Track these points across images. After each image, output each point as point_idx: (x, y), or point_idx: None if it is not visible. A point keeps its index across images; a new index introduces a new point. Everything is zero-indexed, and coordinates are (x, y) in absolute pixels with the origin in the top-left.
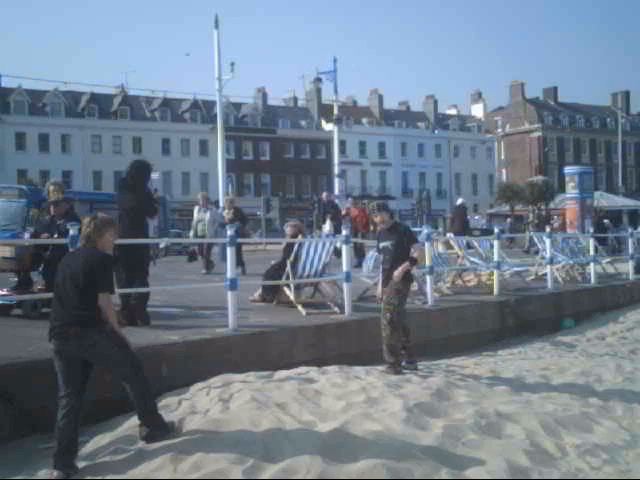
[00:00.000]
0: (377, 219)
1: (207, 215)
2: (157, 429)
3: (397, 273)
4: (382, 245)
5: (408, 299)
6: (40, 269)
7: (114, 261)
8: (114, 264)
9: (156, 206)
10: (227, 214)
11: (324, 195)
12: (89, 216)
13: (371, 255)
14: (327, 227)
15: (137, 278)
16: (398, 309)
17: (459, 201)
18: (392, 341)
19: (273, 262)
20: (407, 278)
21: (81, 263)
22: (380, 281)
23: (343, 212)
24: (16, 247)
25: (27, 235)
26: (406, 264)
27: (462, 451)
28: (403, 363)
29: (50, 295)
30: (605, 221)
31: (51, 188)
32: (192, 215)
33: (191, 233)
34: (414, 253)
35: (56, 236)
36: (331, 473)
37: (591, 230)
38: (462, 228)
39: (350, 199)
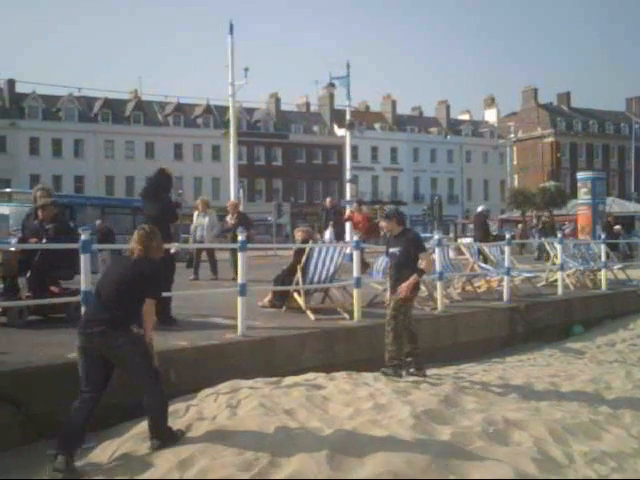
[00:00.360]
0: (384, 226)
1: (206, 220)
2: (168, 441)
3: (405, 286)
4: (391, 251)
5: (418, 305)
6: (27, 275)
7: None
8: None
9: (178, 211)
10: (231, 219)
11: (328, 201)
12: (141, 227)
13: (382, 259)
14: (328, 234)
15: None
16: (402, 316)
17: (480, 208)
18: (394, 347)
19: (284, 267)
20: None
21: (132, 268)
22: (388, 287)
23: (345, 216)
24: (2, 252)
25: (14, 240)
26: (414, 277)
27: (469, 458)
28: (412, 370)
29: (36, 302)
30: (616, 227)
31: (38, 193)
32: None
33: (190, 239)
34: (421, 264)
35: (44, 241)
36: None
37: (603, 236)
38: (485, 236)
39: (355, 203)
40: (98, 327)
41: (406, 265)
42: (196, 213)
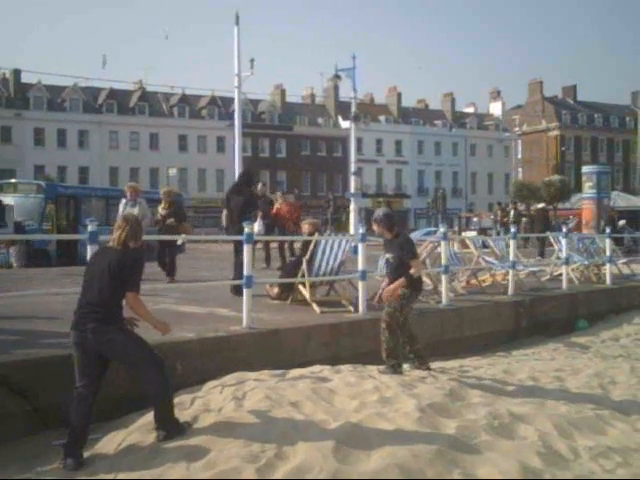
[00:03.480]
0: (375, 228)
1: (135, 210)
2: (174, 432)
3: (390, 288)
4: (386, 256)
5: (422, 298)
6: None
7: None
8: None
9: (259, 202)
10: (162, 209)
11: (259, 188)
12: (125, 216)
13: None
14: (257, 226)
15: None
16: (398, 312)
17: (540, 205)
18: (390, 344)
19: (291, 258)
20: (415, 286)
21: (113, 261)
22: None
23: (274, 211)
24: None
25: None
26: (400, 281)
27: (475, 452)
28: (415, 364)
29: None
30: (620, 222)
31: None
32: (220, 213)
33: None
34: (412, 269)
35: None
36: (344, 472)
37: (607, 230)
38: (544, 229)
39: (278, 194)
40: (90, 323)
41: (399, 271)
42: (123, 201)
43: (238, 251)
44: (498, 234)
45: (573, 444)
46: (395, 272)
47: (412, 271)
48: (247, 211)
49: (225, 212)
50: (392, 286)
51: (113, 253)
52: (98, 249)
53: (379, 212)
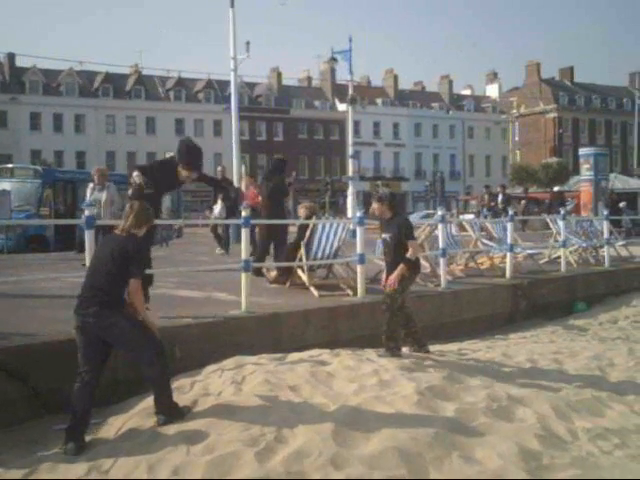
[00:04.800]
0: (374, 207)
1: (103, 195)
2: (173, 417)
3: (393, 278)
4: (383, 236)
5: (421, 281)
6: None
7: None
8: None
9: (288, 189)
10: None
11: (218, 171)
12: (131, 203)
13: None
14: (217, 208)
15: (279, 244)
16: (397, 295)
17: (556, 188)
18: (391, 327)
19: (290, 241)
20: (413, 267)
21: (117, 247)
22: (385, 270)
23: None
24: None
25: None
26: (401, 267)
27: (473, 434)
28: (414, 347)
29: None
30: (621, 204)
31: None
32: (211, 197)
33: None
34: (409, 252)
35: None
36: (343, 456)
37: (605, 212)
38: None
39: (245, 175)
40: (92, 307)
41: (397, 252)
42: (91, 186)
43: (254, 233)
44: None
45: (571, 426)
46: (393, 253)
47: (409, 253)
48: (276, 197)
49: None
50: (394, 276)
51: (117, 240)
52: (107, 236)
53: (384, 190)
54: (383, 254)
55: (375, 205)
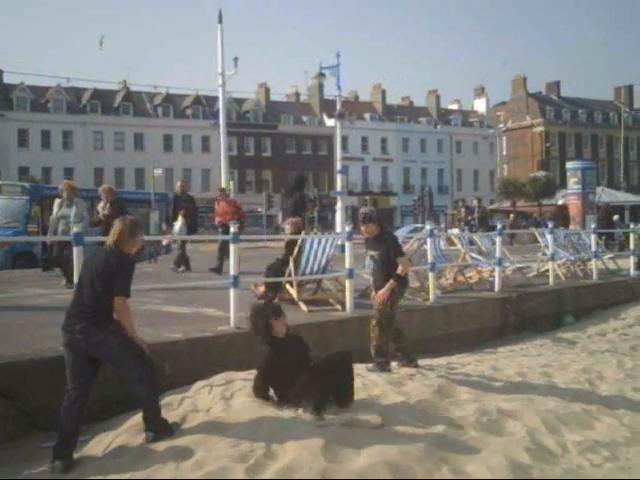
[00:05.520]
0: (363, 229)
1: (72, 210)
2: (162, 433)
3: (381, 294)
4: (370, 253)
5: (410, 296)
6: None
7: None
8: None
9: (309, 205)
10: (103, 209)
11: (178, 185)
12: (121, 218)
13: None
14: (178, 225)
15: None
16: (387, 311)
17: (560, 202)
18: (380, 342)
19: (279, 257)
20: (401, 282)
21: (103, 263)
22: (373, 287)
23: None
24: None
25: None
26: (391, 283)
27: (463, 448)
28: (403, 362)
29: None
30: (615, 217)
31: None
32: (207, 213)
33: (49, 232)
34: (399, 269)
35: None
36: (333, 471)
37: (593, 226)
38: (565, 225)
39: (219, 190)
40: (79, 324)
41: (386, 269)
42: (58, 201)
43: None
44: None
45: (561, 439)
46: (382, 269)
47: (400, 270)
48: (296, 213)
49: (281, 213)
50: (384, 290)
51: (102, 255)
52: (96, 251)
53: (368, 209)
54: (372, 270)
55: (363, 227)
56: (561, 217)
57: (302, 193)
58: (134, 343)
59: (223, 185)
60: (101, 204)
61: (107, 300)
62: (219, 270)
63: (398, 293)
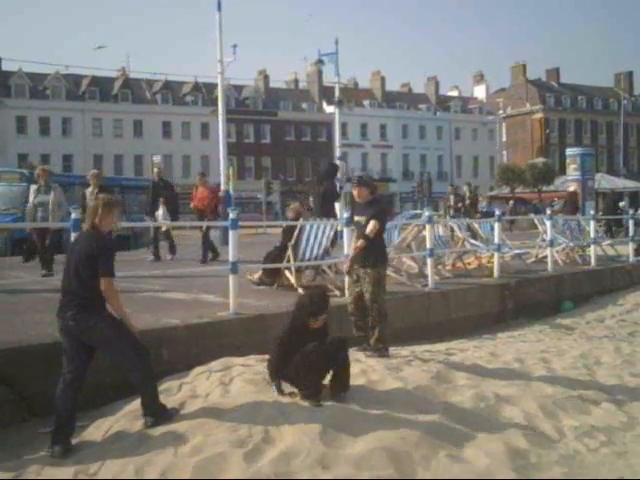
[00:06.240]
0: (355, 192)
1: (50, 197)
2: (161, 418)
3: (350, 257)
4: (356, 219)
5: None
6: None
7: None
8: (115, 249)
9: (339, 192)
10: (92, 193)
11: (155, 172)
12: (96, 197)
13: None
14: (160, 213)
15: None
16: (381, 295)
17: (571, 188)
18: (381, 327)
19: (277, 244)
20: (379, 260)
21: (83, 247)
22: (351, 255)
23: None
24: None
25: None
26: (360, 242)
27: (461, 434)
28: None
29: None
30: (621, 203)
31: None
32: (190, 197)
33: (27, 219)
34: (368, 228)
35: None
36: (331, 456)
37: (592, 212)
38: (575, 212)
39: (198, 176)
40: (71, 311)
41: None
42: (34, 187)
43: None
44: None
45: (558, 424)
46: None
47: (368, 229)
48: (327, 201)
49: (311, 199)
50: (353, 253)
51: (83, 238)
52: (76, 235)
53: (364, 173)
54: (356, 237)
55: (356, 190)
56: (573, 203)
57: (334, 181)
58: (126, 329)
59: (224, 172)
60: (89, 189)
61: (95, 284)
62: (205, 259)
63: (381, 276)
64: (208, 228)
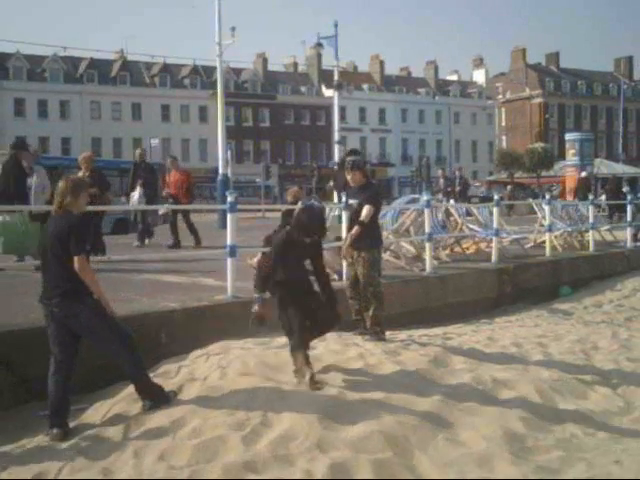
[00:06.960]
0: (349, 177)
1: (34, 179)
2: (159, 402)
3: (348, 242)
4: (350, 201)
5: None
6: None
7: (87, 223)
8: (87, 226)
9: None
10: (83, 177)
11: (137, 154)
12: (62, 179)
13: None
14: (136, 195)
15: None
16: (377, 279)
17: (583, 174)
18: (379, 311)
19: (276, 229)
20: (374, 244)
21: (53, 230)
22: (347, 239)
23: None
24: None
25: None
26: (355, 229)
27: (458, 417)
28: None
29: None
30: (624, 189)
31: None
32: (163, 182)
33: None
34: (362, 214)
35: None
36: (329, 439)
37: (590, 197)
38: (585, 198)
39: (169, 159)
40: (55, 298)
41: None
42: None
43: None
44: None
45: (555, 408)
46: (358, 217)
47: (363, 215)
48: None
49: (332, 183)
50: (349, 238)
51: (53, 221)
52: (48, 220)
53: (358, 158)
54: (350, 221)
55: (350, 174)
56: (585, 189)
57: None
58: (111, 318)
59: (223, 156)
60: (80, 173)
61: (71, 266)
62: (177, 244)
63: (376, 259)
64: (187, 212)
